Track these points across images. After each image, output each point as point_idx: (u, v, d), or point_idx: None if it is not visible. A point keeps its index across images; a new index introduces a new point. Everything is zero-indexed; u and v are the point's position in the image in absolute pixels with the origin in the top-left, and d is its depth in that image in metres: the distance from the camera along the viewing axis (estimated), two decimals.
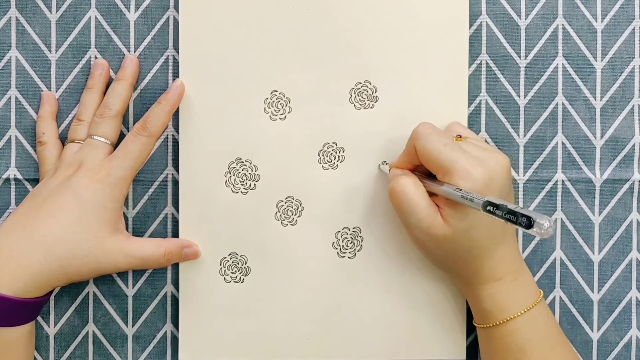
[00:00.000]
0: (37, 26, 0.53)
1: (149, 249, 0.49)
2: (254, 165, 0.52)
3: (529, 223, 0.38)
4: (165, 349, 0.54)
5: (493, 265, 0.47)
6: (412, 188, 0.46)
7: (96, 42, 0.53)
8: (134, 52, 0.53)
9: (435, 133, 0.47)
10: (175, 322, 0.53)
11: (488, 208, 0.40)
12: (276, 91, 0.52)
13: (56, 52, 0.53)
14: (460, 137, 0.48)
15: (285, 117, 0.52)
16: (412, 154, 0.48)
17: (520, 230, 0.42)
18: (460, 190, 0.43)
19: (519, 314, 0.47)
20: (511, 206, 0.39)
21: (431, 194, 0.47)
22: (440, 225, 0.45)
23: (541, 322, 0.48)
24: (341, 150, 0.53)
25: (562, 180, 0.54)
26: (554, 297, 0.54)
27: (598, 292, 0.54)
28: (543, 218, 0.37)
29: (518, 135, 0.54)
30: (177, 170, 0.53)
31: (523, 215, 0.38)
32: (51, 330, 0.53)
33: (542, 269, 0.54)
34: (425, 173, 0.49)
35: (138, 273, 0.54)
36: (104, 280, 0.53)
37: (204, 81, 0.52)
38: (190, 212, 0.52)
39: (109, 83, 0.53)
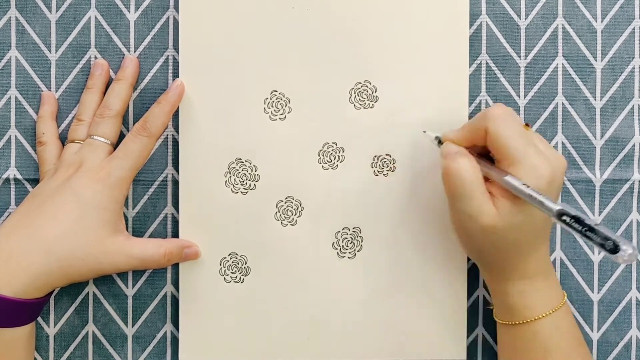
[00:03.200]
0: (37, 26, 0.53)
1: (149, 249, 0.49)
2: (254, 165, 0.52)
3: (613, 248, 0.35)
4: (165, 349, 0.54)
5: (529, 263, 0.46)
6: (470, 171, 0.44)
7: (96, 42, 0.53)
8: (134, 52, 0.53)
9: (511, 118, 0.45)
10: (175, 322, 0.53)
11: (563, 218, 0.38)
12: (276, 91, 0.52)
13: (56, 52, 0.53)
14: (528, 125, 0.46)
15: (285, 117, 0.52)
16: (477, 134, 0.46)
17: (599, 250, 0.40)
18: (529, 187, 0.42)
19: (545, 314, 0.46)
20: (589, 221, 0.37)
21: (486, 180, 0.45)
22: (491, 215, 0.44)
23: (565, 325, 0.47)
24: (341, 150, 0.53)
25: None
26: None
27: (598, 292, 0.54)
28: (627, 243, 0.35)
29: None
30: (177, 170, 0.53)
31: (607, 238, 0.35)
32: (51, 330, 0.53)
33: None
34: (479, 153, 0.47)
35: (138, 273, 0.54)
36: (104, 280, 0.53)
37: (204, 81, 0.52)
38: (190, 212, 0.52)
39: (109, 83, 0.53)
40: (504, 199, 0.44)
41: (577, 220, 0.38)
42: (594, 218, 0.54)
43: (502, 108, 0.46)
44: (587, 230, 0.37)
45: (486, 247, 0.46)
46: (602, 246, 0.36)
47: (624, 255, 0.35)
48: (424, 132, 0.51)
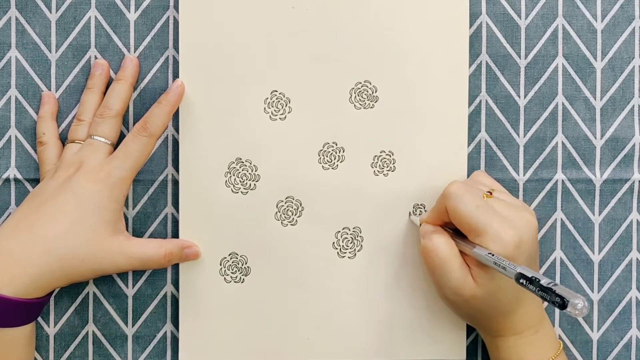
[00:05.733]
0: (37, 26, 0.53)
1: (149, 249, 0.49)
2: (254, 165, 0.52)
3: (562, 303, 0.37)
4: (165, 349, 0.54)
5: (516, 320, 0.48)
6: (445, 248, 0.47)
7: (96, 42, 0.53)
8: (134, 52, 0.53)
9: (467, 194, 0.46)
10: (175, 322, 0.54)
11: (521, 281, 0.40)
12: (276, 91, 0.52)
13: (56, 52, 0.53)
14: (490, 193, 0.48)
15: (285, 117, 0.52)
16: (442, 212, 0.48)
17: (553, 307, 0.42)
18: (493, 255, 0.43)
19: None
20: (544, 282, 0.39)
21: (461, 252, 0.47)
22: (470, 286, 0.46)
23: None
24: (341, 150, 0.53)
25: (562, 180, 0.54)
26: None
27: (598, 292, 0.54)
28: (577, 297, 0.37)
29: (518, 135, 0.54)
30: (177, 170, 0.53)
31: (556, 294, 0.38)
32: (51, 330, 0.53)
33: (542, 269, 0.54)
34: (455, 229, 0.48)
35: (138, 273, 0.54)
36: (104, 280, 0.53)
37: (204, 81, 0.52)
38: (190, 212, 0.52)
39: (109, 83, 0.53)
40: (478, 269, 0.46)
41: (531, 281, 0.40)
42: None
43: (457, 185, 0.47)
44: (540, 290, 0.39)
45: (472, 313, 0.48)
46: (553, 303, 0.38)
47: (574, 309, 0.37)
48: (410, 217, 0.52)
